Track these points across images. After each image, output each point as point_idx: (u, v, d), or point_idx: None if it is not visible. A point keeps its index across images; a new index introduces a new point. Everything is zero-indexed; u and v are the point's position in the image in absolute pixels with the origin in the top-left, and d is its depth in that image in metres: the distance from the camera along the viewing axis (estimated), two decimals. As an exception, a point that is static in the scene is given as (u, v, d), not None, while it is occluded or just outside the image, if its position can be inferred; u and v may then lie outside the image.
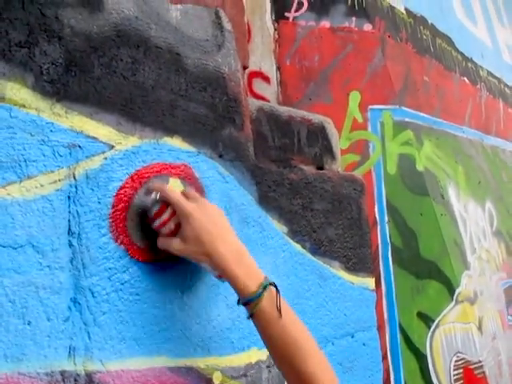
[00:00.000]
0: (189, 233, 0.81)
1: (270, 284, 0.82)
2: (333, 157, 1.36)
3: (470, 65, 2.74)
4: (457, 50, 2.61)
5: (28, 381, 0.69)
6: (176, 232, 0.83)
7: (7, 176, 0.70)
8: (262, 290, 0.81)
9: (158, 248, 0.84)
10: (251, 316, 0.83)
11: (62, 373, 0.73)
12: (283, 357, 0.82)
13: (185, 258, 0.85)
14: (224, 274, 0.82)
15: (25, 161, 0.72)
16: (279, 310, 0.80)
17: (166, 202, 0.83)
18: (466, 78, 2.64)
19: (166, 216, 0.83)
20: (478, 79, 2.81)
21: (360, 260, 1.35)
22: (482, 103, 2.79)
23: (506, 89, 3.30)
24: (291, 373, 0.82)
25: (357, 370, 1.32)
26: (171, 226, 0.83)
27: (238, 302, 0.84)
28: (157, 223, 0.84)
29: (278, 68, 1.75)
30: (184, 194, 0.86)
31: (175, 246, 0.82)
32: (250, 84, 1.62)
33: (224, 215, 0.88)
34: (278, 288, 0.83)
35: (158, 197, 0.84)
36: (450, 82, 2.45)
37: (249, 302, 0.81)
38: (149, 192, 0.85)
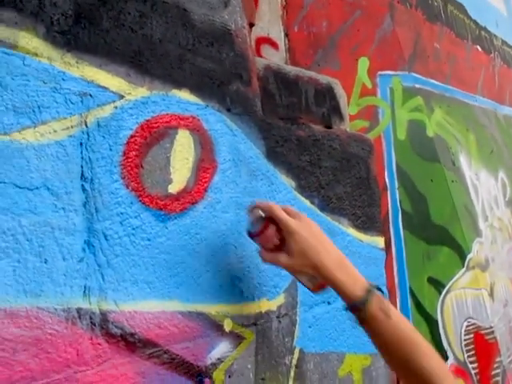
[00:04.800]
0: (295, 248, 0.89)
1: (375, 288, 0.87)
2: (341, 117, 1.37)
3: (483, 33, 2.69)
4: (469, 18, 2.57)
5: (46, 315, 0.73)
6: (278, 246, 0.91)
7: (22, 121, 0.73)
8: (368, 295, 0.85)
9: (264, 261, 0.92)
10: (362, 322, 0.86)
11: (78, 310, 0.77)
12: (399, 357, 0.84)
13: (290, 271, 0.94)
14: (330, 283, 0.89)
15: (38, 107, 0.75)
16: (387, 312, 0.84)
17: (269, 219, 0.91)
18: (478, 47, 2.61)
19: (270, 232, 0.91)
20: (491, 48, 2.77)
21: (369, 219, 1.36)
22: (495, 72, 2.75)
23: (521, 59, 3.24)
24: (409, 372, 0.84)
25: (366, 327, 1.34)
26: (276, 241, 0.91)
27: (346, 309, 0.89)
28: (261, 238, 0.92)
29: (286, 34, 1.75)
30: (285, 210, 0.92)
31: (282, 260, 0.90)
32: (258, 50, 1.62)
33: (321, 229, 0.94)
34: (383, 290, 0.88)
35: (262, 214, 0.93)
36: (461, 50, 2.42)
37: (355, 306, 0.86)
38: (253, 209, 0.94)
